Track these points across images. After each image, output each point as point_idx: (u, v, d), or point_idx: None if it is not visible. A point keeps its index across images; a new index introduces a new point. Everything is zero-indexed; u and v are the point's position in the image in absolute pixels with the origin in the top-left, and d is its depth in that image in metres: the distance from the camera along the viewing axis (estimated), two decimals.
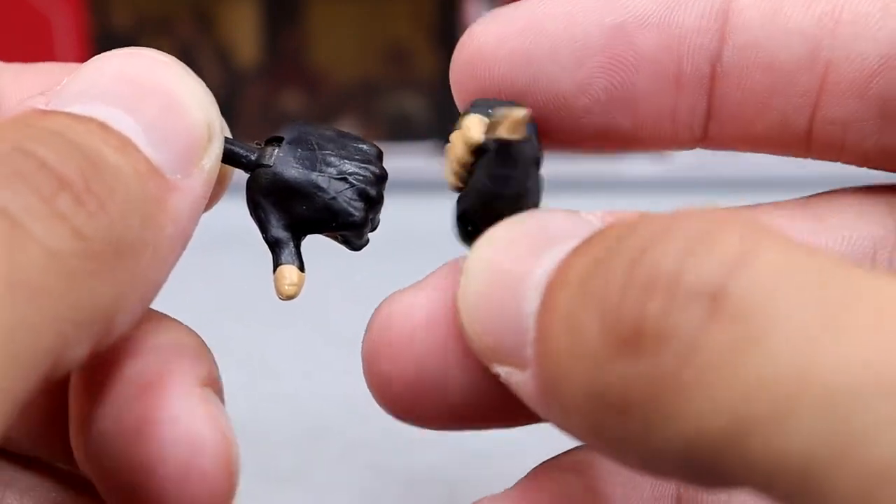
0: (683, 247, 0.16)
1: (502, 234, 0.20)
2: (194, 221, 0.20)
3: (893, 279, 0.15)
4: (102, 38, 0.66)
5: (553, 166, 0.23)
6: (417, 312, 0.21)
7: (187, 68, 0.20)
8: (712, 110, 0.22)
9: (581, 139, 0.22)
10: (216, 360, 0.21)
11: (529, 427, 0.23)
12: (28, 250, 0.16)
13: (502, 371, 0.19)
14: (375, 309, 0.22)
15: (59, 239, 0.17)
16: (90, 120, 0.19)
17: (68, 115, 0.19)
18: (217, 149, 0.20)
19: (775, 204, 0.23)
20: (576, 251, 0.18)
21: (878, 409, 0.14)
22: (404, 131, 0.69)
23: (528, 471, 0.24)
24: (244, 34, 0.69)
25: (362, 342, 0.22)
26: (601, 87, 0.21)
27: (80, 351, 0.17)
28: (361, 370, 0.22)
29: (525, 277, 0.18)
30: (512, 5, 0.22)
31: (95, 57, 0.20)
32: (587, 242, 0.18)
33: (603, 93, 0.21)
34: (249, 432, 0.44)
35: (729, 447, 0.15)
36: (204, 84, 0.20)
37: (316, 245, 0.23)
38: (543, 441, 0.23)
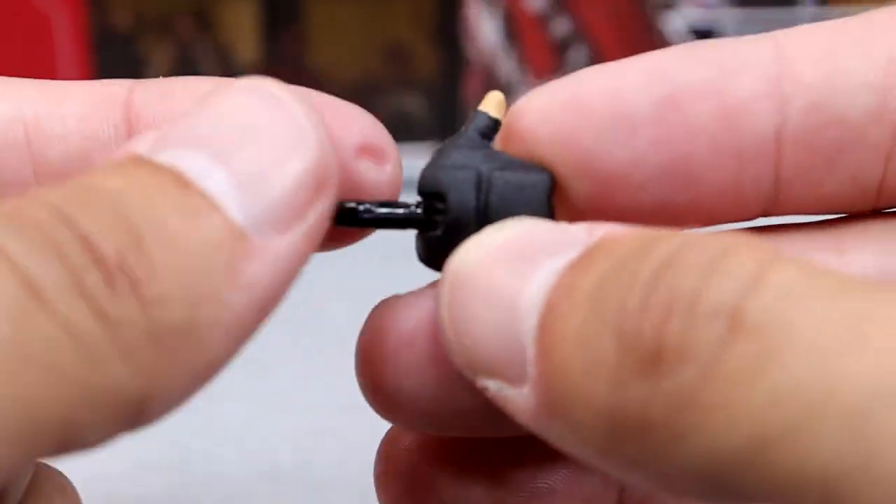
0: (700, 269, 0.16)
1: (488, 243, 0.19)
2: (284, 285, 0.18)
3: None
4: (102, 38, 0.66)
5: None
6: (412, 320, 0.21)
7: (309, 106, 0.19)
8: (779, 175, 0.21)
9: (639, 215, 0.21)
10: None
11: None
12: (45, 325, 0.15)
13: (491, 385, 0.18)
14: (371, 311, 0.22)
15: (82, 318, 0.16)
16: (168, 172, 0.17)
17: (150, 166, 0.18)
18: (325, 203, 0.18)
19: (789, 226, 0.22)
20: (577, 266, 0.17)
21: None
22: (404, 131, 0.69)
23: None
24: (244, 34, 0.68)
25: (356, 345, 0.22)
26: (654, 163, 0.20)
27: (97, 433, 0.16)
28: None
29: (520, 292, 0.18)
30: (554, 81, 0.21)
31: (219, 86, 0.19)
32: (589, 258, 0.17)
33: (657, 168, 0.20)
34: (247, 432, 0.44)
35: (750, 462, 0.15)
36: (324, 127, 0.19)
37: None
38: None
